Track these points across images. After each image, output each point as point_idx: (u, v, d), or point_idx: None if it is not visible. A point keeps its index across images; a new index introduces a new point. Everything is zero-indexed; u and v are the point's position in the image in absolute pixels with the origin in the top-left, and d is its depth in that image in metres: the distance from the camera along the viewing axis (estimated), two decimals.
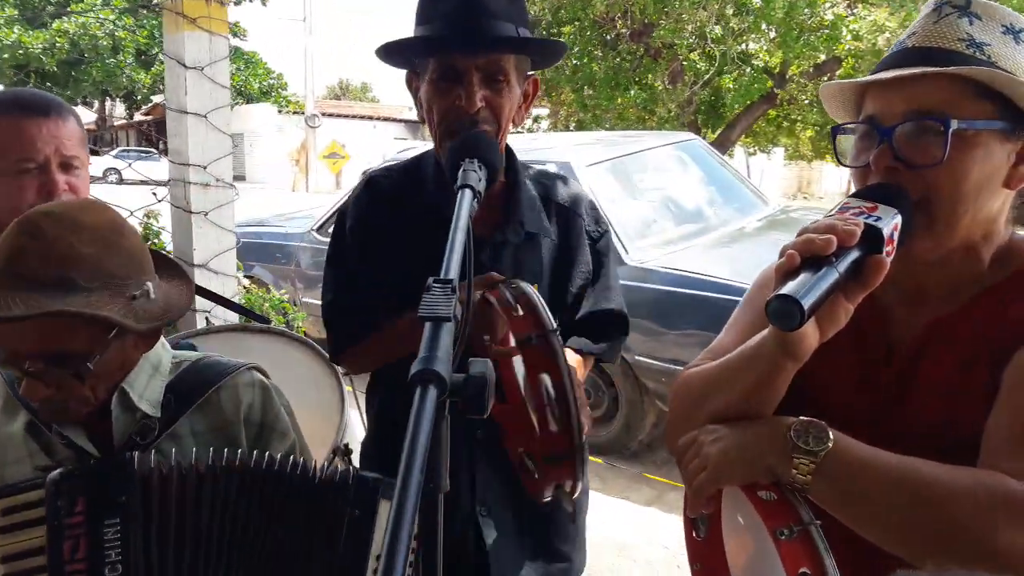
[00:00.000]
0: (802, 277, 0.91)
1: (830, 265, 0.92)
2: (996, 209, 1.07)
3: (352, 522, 1.27)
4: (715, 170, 5.81)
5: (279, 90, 31.85)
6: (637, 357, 4.30)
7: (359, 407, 2.00)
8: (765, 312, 0.92)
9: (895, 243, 0.98)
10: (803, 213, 6.05)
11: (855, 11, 14.32)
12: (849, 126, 1.14)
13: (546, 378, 1.11)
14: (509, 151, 1.65)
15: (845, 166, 1.13)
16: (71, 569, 1.21)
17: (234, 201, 2.90)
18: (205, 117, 2.77)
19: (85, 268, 1.21)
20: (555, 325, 1.18)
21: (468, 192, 1.20)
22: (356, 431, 1.91)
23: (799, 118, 18.28)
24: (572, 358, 1.62)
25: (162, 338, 1.44)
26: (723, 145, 14.78)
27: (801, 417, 1.03)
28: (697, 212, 5.34)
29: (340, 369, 2.07)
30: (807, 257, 0.93)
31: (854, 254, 0.95)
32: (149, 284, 1.29)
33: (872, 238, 0.95)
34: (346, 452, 1.82)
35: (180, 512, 1.26)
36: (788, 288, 0.90)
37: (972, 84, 1.01)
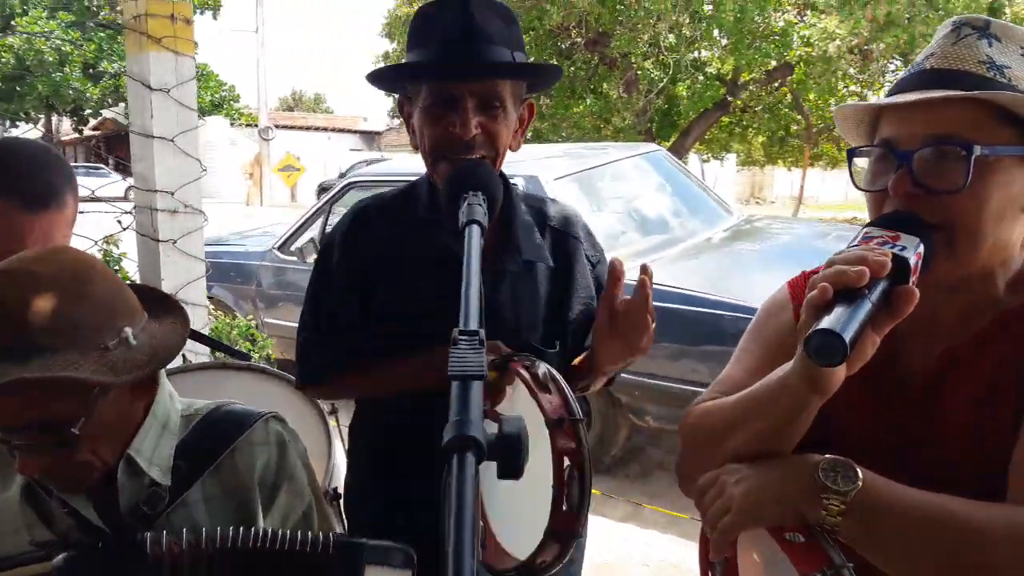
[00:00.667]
0: (838, 310, 0.89)
1: (863, 297, 0.91)
2: (1016, 235, 1.06)
3: None
4: (679, 181, 5.84)
5: (231, 102, 31.37)
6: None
7: (344, 446, 1.94)
8: (804, 348, 0.89)
9: (918, 272, 0.96)
10: (766, 222, 6.11)
11: (805, 18, 14.56)
12: (864, 148, 1.11)
13: (567, 462, 1.09)
14: (502, 176, 1.61)
15: (861, 190, 1.11)
16: None
17: (203, 228, 2.81)
18: (172, 141, 2.68)
19: (46, 326, 1.09)
20: (580, 415, 1.16)
21: (476, 228, 1.14)
22: (342, 472, 1.85)
23: (751, 124, 18.57)
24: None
25: (170, 388, 1.34)
26: (678, 152, 14.92)
27: (827, 455, 1.00)
28: (663, 223, 5.35)
29: (326, 407, 2.01)
30: (839, 289, 0.91)
31: (883, 284, 0.93)
32: (128, 330, 1.17)
33: (899, 268, 0.94)
34: (335, 497, 1.76)
35: None
36: (828, 323, 0.88)
37: (994, 108, 0.99)
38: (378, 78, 1.57)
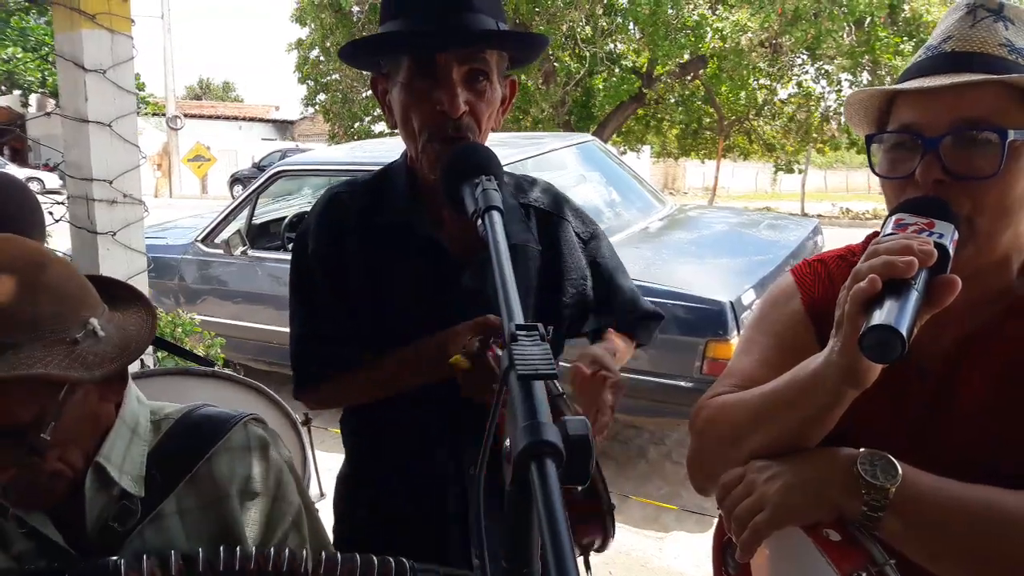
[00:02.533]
0: (888, 303, 0.87)
1: (910, 287, 0.88)
2: None
3: None
4: (614, 171, 5.86)
5: (136, 91, 30.20)
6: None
7: (314, 459, 1.85)
8: (859, 346, 0.87)
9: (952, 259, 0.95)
10: (699, 212, 6.20)
11: (717, 11, 14.87)
12: (883, 135, 1.08)
13: None
14: None
15: (880, 176, 1.09)
16: None
17: (144, 219, 2.65)
18: (109, 126, 2.51)
19: (7, 322, 0.99)
20: (561, 392, 1.12)
21: (497, 215, 1.07)
22: (314, 485, 1.75)
23: (666, 117, 18.91)
24: (619, 345, 1.54)
25: (137, 391, 1.23)
26: None
27: (862, 449, 0.98)
28: (600, 213, 5.36)
29: (297, 416, 1.89)
30: (887, 281, 0.88)
31: (925, 274, 0.91)
32: (94, 321, 1.07)
33: (941, 257, 0.92)
34: None
35: None
36: (883, 318, 0.85)
37: (1019, 92, 0.98)
38: (352, 53, 1.45)
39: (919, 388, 1.09)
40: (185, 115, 29.51)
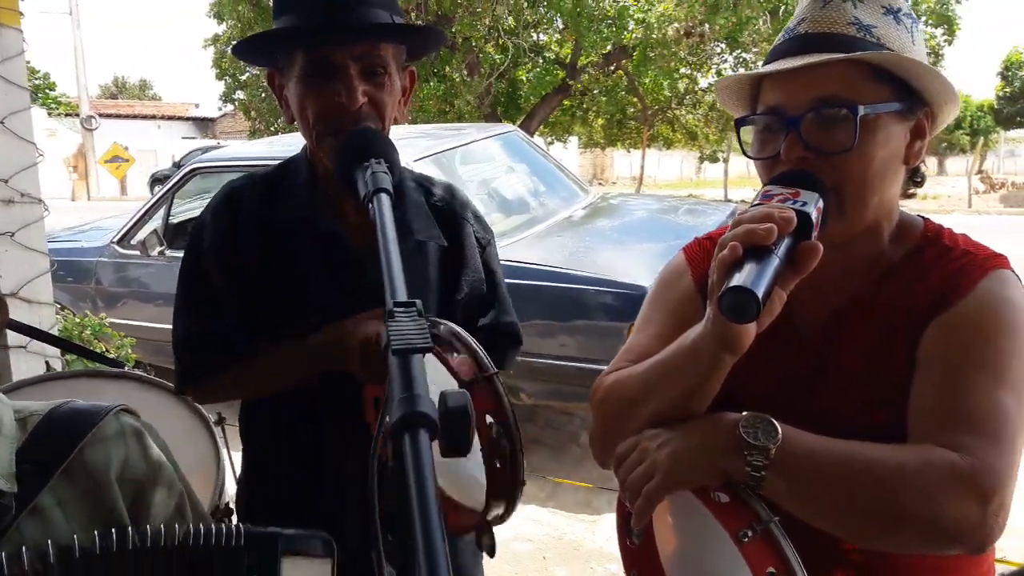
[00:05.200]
0: (748, 267, 0.91)
1: (770, 253, 0.92)
2: (896, 189, 1.11)
3: None
4: (536, 161, 5.89)
5: (46, 91, 29.05)
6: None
7: (230, 458, 1.80)
8: (717, 307, 0.92)
9: (819, 227, 0.99)
10: (621, 200, 6.26)
11: (639, 2, 15.03)
12: (752, 117, 1.13)
13: (490, 418, 1.07)
14: None
15: (750, 157, 1.13)
16: None
17: (44, 218, 2.55)
18: (2, 123, 2.41)
19: None
20: (494, 368, 1.12)
21: (385, 197, 1.07)
22: (231, 487, 1.71)
23: (591, 108, 19.08)
24: None
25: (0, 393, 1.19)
26: None
27: (745, 413, 1.02)
28: (524, 203, 5.39)
29: (211, 416, 1.85)
30: (748, 248, 0.92)
31: (788, 241, 0.95)
32: None
33: (803, 224, 0.96)
34: (226, 513, 1.62)
35: None
36: (738, 280, 0.89)
37: (869, 68, 1.03)
38: (246, 49, 1.44)
39: (801, 353, 1.14)
40: (100, 115, 28.57)
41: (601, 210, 5.55)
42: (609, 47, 15.31)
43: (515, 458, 1.08)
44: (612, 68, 17.04)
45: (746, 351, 0.99)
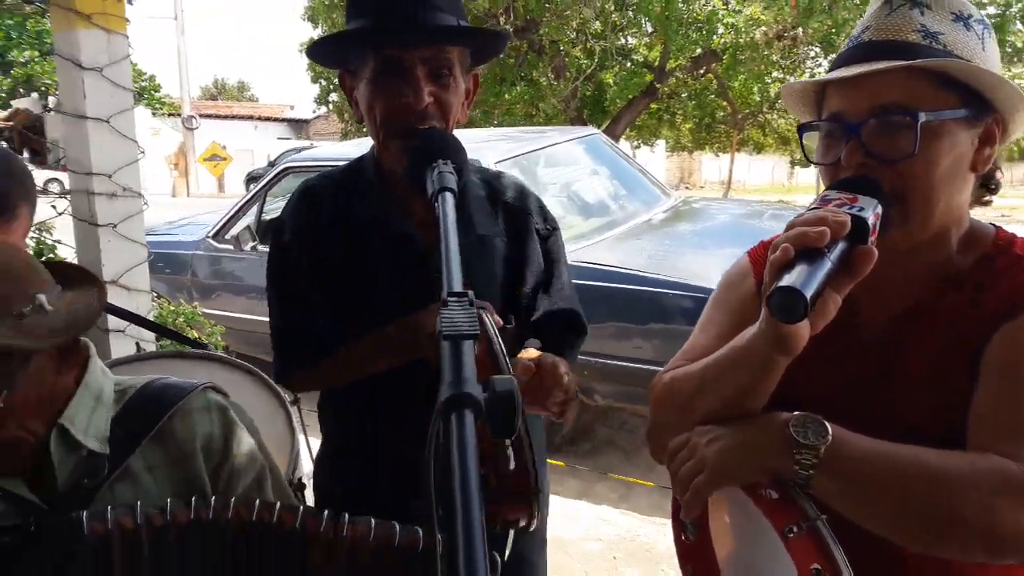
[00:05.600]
0: (799, 269, 0.92)
1: (823, 256, 0.93)
2: (965, 196, 1.10)
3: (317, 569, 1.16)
4: (618, 164, 5.88)
5: (151, 92, 30.41)
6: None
7: (306, 439, 1.90)
8: (766, 306, 0.93)
9: (877, 233, 0.99)
10: (704, 204, 6.21)
11: (729, 5, 14.81)
12: (815, 123, 1.14)
13: None
14: None
15: (814, 163, 1.14)
16: None
17: (143, 211, 2.72)
18: (107, 122, 2.57)
19: None
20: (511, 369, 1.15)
21: (449, 195, 1.14)
22: (306, 463, 1.80)
23: (679, 111, 18.85)
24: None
25: (101, 364, 1.30)
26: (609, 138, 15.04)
27: (796, 412, 1.03)
28: (604, 206, 5.39)
29: (287, 396, 1.95)
30: (800, 250, 0.94)
31: (843, 245, 0.96)
32: (42, 296, 1.15)
33: (858, 228, 0.96)
34: (299, 487, 1.70)
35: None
36: (787, 280, 0.91)
37: (934, 75, 1.02)
38: (320, 51, 1.52)
39: (863, 358, 1.14)
40: (201, 115, 29.77)
41: (682, 214, 5.51)
42: (699, 50, 15.12)
43: (524, 462, 1.11)
44: (702, 72, 16.82)
45: (807, 355, 1.00)
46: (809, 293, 0.89)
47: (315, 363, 1.55)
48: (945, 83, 1.02)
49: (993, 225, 1.16)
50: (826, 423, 1.00)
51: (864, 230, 0.96)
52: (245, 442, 1.34)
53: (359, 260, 1.53)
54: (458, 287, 0.91)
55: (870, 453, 0.99)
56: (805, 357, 1.02)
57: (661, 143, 24.83)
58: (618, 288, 4.17)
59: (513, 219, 1.63)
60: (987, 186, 1.14)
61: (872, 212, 0.98)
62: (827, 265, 0.93)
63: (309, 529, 1.16)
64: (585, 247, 4.54)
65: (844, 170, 1.06)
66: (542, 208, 1.70)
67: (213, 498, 1.17)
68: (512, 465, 1.07)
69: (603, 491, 4.22)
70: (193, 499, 1.16)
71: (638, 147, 21.44)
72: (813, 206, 1.02)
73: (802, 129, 1.16)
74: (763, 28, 13.21)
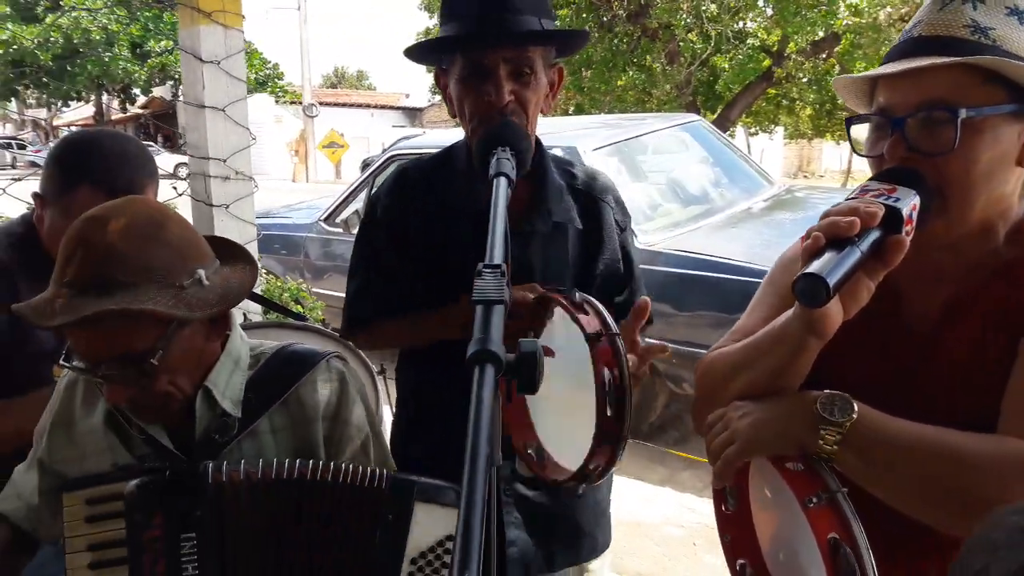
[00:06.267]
0: (826, 256, 0.96)
1: (853, 245, 0.97)
2: (1011, 188, 1.11)
3: (387, 526, 1.30)
4: (719, 151, 5.83)
5: (275, 80, 31.67)
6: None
7: (390, 405, 2.04)
8: (792, 291, 0.97)
9: (914, 223, 1.02)
10: (807, 192, 6.09)
11: None
12: (863, 117, 1.16)
13: (606, 372, 1.16)
14: (537, 141, 1.69)
15: (861, 155, 1.17)
16: None
17: (253, 193, 2.93)
18: (223, 111, 2.80)
19: (126, 265, 1.20)
20: (618, 329, 1.23)
21: (503, 180, 1.24)
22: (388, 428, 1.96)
23: (798, 96, 18.25)
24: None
25: (240, 330, 1.45)
26: (723, 125, 14.74)
27: (825, 391, 1.08)
28: (703, 194, 5.36)
29: (375, 367, 2.11)
30: (831, 238, 0.97)
31: (875, 234, 0.99)
32: (201, 272, 1.28)
33: (892, 219, 0.99)
34: None
35: (247, 521, 1.29)
36: (813, 267, 0.95)
37: (980, 70, 1.03)
38: (416, 53, 1.67)
39: (906, 345, 1.17)
40: (320, 103, 30.73)
41: (784, 202, 5.42)
42: (821, 33, 14.60)
43: (623, 409, 1.17)
44: (824, 56, 16.23)
45: (852, 341, 1.05)
46: (833, 280, 0.93)
47: (377, 325, 1.75)
48: (992, 78, 1.04)
49: None
50: (853, 402, 1.05)
51: (898, 220, 0.99)
52: (357, 411, 1.48)
53: (440, 241, 1.67)
54: (497, 260, 1.01)
55: (894, 432, 1.03)
56: (850, 344, 1.07)
57: (779, 130, 24.10)
58: (712, 277, 4.17)
59: (589, 208, 1.75)
60: None
61: (909, 203, 1.01)
62: (856, 254, 0.96)
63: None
64: (681, 235, 4.55)
65: (887, 163, 1.09)
66: (619, 200, 1.82)
67: (312, 460, 1.33)
68: (610, 412, 1.15)
69: (687, 479, 4.24)
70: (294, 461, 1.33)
71: (755, 134, 20.91)
72: (852, 196, 1.06)
73: (850, 122, 1.19)
74: (888, 9, 12.65)
